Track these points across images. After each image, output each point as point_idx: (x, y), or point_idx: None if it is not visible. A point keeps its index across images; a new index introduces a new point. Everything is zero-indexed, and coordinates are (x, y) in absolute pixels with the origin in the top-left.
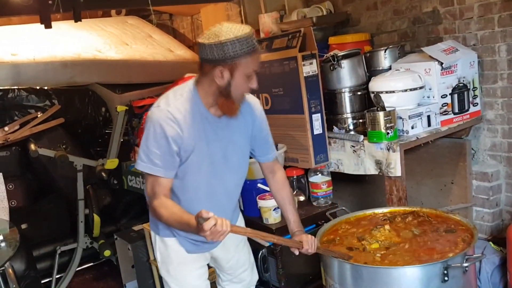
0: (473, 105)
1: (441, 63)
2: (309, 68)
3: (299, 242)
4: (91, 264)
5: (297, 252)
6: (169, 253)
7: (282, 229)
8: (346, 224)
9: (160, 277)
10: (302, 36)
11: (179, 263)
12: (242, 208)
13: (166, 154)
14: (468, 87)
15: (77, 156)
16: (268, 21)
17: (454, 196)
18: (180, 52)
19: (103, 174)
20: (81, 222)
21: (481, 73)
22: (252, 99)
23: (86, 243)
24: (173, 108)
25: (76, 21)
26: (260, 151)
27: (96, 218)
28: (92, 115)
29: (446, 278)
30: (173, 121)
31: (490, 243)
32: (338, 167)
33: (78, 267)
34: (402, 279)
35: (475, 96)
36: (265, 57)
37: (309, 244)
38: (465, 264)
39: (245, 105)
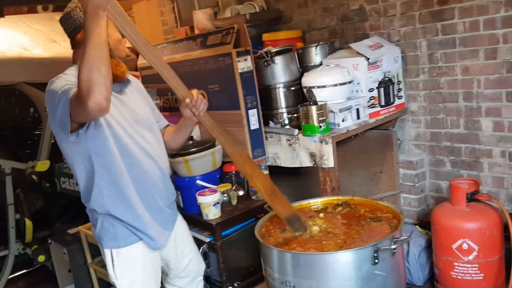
0: (398, 98)
1: (368, 59)
2: (244, 65)
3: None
4: (24, 271)
5: (185, 111)
6: (133, 263)
7: (223, 224)
8: None
9: (99, 280)
10: (236, 32)
11: (144, 269)
12: (182, 205)
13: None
14: (393, 81)
15: (5, 159)
16: (202, 18)
17: (383, 184)
18: None
19: (34, 177)
20: (12, 227)
21: (405, 67)
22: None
23: (18, 249)
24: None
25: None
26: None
27: (28, 222)
28: (19, 115)
29: (376, 261)
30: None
31: (417, 226)
32: (275, 161)
33: (10, 274)
34: (336, 263)
35: (399, 90)
36: (200, 53)
37: (195, 98)
38: (393, 246)
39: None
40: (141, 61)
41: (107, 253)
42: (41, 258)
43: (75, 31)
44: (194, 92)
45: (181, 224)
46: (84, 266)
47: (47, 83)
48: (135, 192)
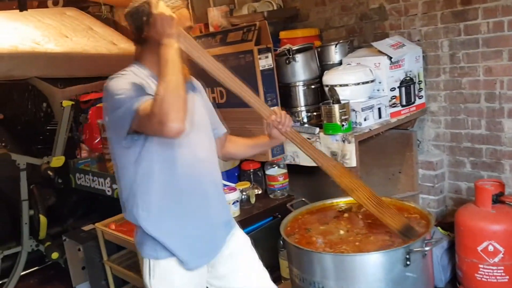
0: (419, 98)
1: (390, 58)
2: (265, 62)
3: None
4: (36, 268)
5: (272, 131)
6: (170, 277)
7: (242, 222)
8: (307, 215)
9: (115, 277)
10: (257, 29)
11: (181, 285)
12: None
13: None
14: (414, 81)
15: (19, 154)
16: (217, 15)
17: (401, 185)
18: (124, 45)
19: (49, 172)
20: (26, 224)
21: (425, 67)
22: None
23: (31, 246)
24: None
25: (21, 10)
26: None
27: (43, 219)
28: (32, 110)
29: (408, 263)
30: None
31: (438, 228)
32: (294, 159)
33: (22, 271)
34: (367, 265)
35: (420, 89)
36: (220, 50)
37: (279, 114)
38: (426, 248)
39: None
40: None
41: (145, 262)
42: (55, 255)
43: (142, 27)
44: (276, 109)
45: (236, 243)
46: (99, 263)
47: (59, 78)
48: (184, 208)
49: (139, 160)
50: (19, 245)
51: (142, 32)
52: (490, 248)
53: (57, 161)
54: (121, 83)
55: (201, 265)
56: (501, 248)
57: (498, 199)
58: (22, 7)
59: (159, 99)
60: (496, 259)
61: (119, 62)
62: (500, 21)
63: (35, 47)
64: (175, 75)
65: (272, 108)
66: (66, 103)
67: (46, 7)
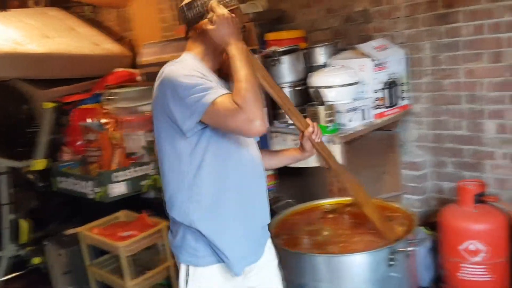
0: (402, 99)
1: (374, 60)
2: None
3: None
4: (17, 273)
5: (307, 144)
6: (208, 285)
7: None
8: (295, 216)
9: (98, 282)
10: (243, 31)
11: None
12: None
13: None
14: (398, 83)
15: None
16: None
17: (386, 185)
18: (107, 46)
19: (31, 176)
20: (6, 228)
21: (409, 69)
22: None
23: (12, 250)
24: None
25: (1, 10)
26: None
27: (24, 223)
28: (13, 112)
29: (392, 263)
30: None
31: (422, 228)
32: None
33: (3, 276)
34: (353, 266)
35: (403, 91)
36: None
37: (313, 125)
38: (409, 248)
39: None
40: (141, 58)
41: (183, 267)
42: (36, 260)
43: (197, 19)
44: (309, 120)
45: (270, 255)
46: (82, 268)
47: (41, 79)
48: (235, 204)
49: (196, 151)
50: (1, 250)
51: (196, 24)
52: (472, 247)
53: (40, 164)
54: (187, 70)
55: (245, 267)
56: (483, 248)
57: (479, 199)
58: (2, 6)
59: (246, 96)
60: (478, 258)
61: (102, 63)
62: (481, 24)
63: (16, 47)
64: (252, 74)
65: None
66: (47, 105)
67: (27, 7)
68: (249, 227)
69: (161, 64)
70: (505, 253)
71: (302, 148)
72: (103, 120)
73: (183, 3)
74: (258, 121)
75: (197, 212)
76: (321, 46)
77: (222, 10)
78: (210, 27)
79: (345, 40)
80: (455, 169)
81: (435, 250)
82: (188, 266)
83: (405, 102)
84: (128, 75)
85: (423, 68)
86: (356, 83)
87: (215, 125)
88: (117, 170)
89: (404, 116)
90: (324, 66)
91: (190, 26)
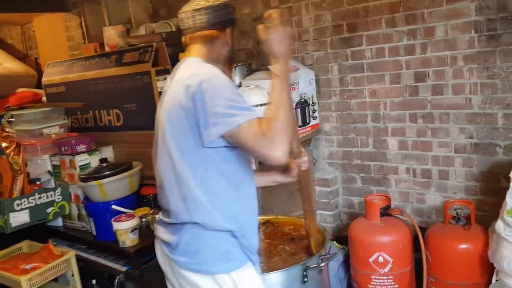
0: (313, 119)
1: None
2: (163, 83)
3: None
4: None
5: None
6: (256, 282)
7: (142, 251)
8: None
9: None
10: (154, 50)
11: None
12: (95, 233)
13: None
14: (308, 102)
15: None
16: (113, 34)
17: (300, 203)
18: (9, 65)
19: None
20: None
21: (318, 89)
22: None
23: None
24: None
25: None
26: None
27: None
28: None
29: (305, 279)
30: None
31: (334, 242)
32: None
33: None
34: (267, 285)
35: (314, 111)
36: (115, 71)
37: (307, 155)
38: (322, 264)
39: None
40: (45, 78)
41: (222, 278)
42: None
43: (224, 24)
44: (302, 148)
45: None
46: None
47: None
48: (251, 207)
49: (225, 159)
50: None
51: (214, 29)
52: (380, 259)
53: None
54: (225, 82)
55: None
56: (389, 259)
57: (385, 212)
58: None
59: (276, 126)
60: (386, 269)
61: (3, 83)
62: (382, 47)
63: None
64: (290, 100)
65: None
66: None
67: None
68: (256, 231)
69: (67, 84)
70: (410, 262)
71: (287, 172)
72: (3, 144)
73: (210, 4)
74: (279, 153)
75: (226, 216)
76: (235, 66)
77: (284, 23)
78: (266, 35)
79: (259, 61)
80: (363, 184)
81: (347, 263)
82: (229, 274)
83: (316, 121)
84: (32, 95)
85: (332, 89)
86: (269, 103)
87: (236, 143)
88: (19, 198)
89: (315, 134)
90: (238, 86)
91: (208, 29)
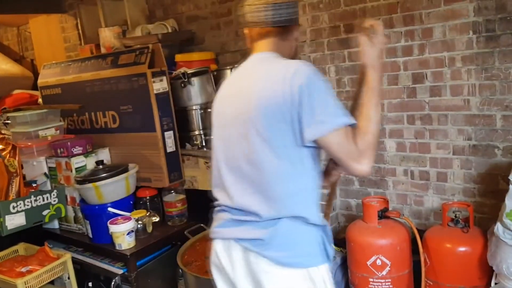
0: None
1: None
2: (160, 85)
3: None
4: None
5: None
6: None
7: (138, 253)
8: (206, 241)
9: None
10: (150, 52)
11: None
12: (91, 236)
13: None
14: None
15: None
16: (109, 36)
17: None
18: (5, 67)
19: None
20: None
21: None
22: None
23: None
24: None
25: None
26: None
27: None
28: None
29: None
30: None
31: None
32: (192, 184)
33: None
34: None
35: None
36: (111, 72)
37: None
38: None
39: None
40: (41, 80)
41: (314, 272)
42: None
43: (291, 21)
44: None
45: None
46: None
47: None
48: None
49: (310, 155)
50: None
51: (287, 28)
52: (378, 262)
53: None
54: (325, 81)
55: None
56: (388, 262)
57: (383, 214)
58: None
59: (370, 142)
60: (384, 272)
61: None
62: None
63: None
64: (379, 111)
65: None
66: None
67: None
68: None
69: (63, 85)
70: (408, 265)
71: (326, 177)
72: None
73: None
74: (365, 167)
75: (316, 211)
76: (231, 68)
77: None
78: (369, 47)
79: None
80: (361, 186)
81: (344, 266)
82: (326, 265)
83: None
84: (28, 97)
85: None
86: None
87: (323, 146)
88: (15, 200)
89: None
90: None
91: (287, 24)
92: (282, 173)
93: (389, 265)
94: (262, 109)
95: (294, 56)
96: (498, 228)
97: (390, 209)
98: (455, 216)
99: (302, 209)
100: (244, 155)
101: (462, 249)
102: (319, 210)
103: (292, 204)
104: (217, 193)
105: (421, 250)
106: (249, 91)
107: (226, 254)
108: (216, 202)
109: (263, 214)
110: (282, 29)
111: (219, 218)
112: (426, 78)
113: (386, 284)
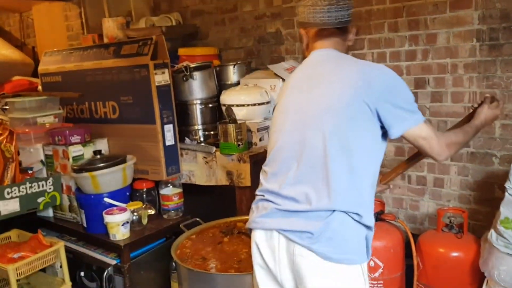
0: None
1: (285, 81)
2: (161, 78)
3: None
4: None
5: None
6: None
7: (132, 245)
8: (200, 235)
9: None
10: (154, 44)
11: None
12: (85, 225)
13: None
14: None
15: None
16: (113, 26)
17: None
18: (6, 52)
19: None
20: None
21: None
22: None
23: None
24: None
25: None
26: None
27: None
28: None
29: None
30: None
31: None
32: (190, 179)
33: None
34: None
35: None
36: (113, 62)
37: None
38: None
39: None
40: (42, 67)
41: (357, 269)
42: None
43: (350, 22)
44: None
45: None
46: None
47: None
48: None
49: (382, 152)
50: None
51: (348, 27)
52: (371, 263)
53: None
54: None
55: None
56: (380, 263)
57: (378, 217)
58: None
59: (452, 149)
60: (377, 274)
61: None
62: (383, 52)
63: None
64: (464, 142)
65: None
66: None
67: None
68: None
69: (63, 74)
70: (400, 268)
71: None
72: None
73: (351, 2)
74: (443, 157)
75: (371, 210)
76: (234, 64)
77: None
78: (491, 107)
79: (258, 60)
80: None
81: None
82: (361, 265)
83: None
84: (27, 84)
85: None
86: (267, 102)
87: (410, 139)
88: (9, 186)
89: None
90: (236, 84)
91: (348, 24)
92: (351, 166)
93: (382, 267)
94: (342, 104)
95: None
96: (492, 234)
97: (385, 212)
98: (450, 222)
99: (359, 206)
100: (315, 144)
101: (455, 254)
102: (373, 210)
103: (352, 198)
104: (267, 180)
105: (414, 253)
106: (329, 84)
107: (267, 244)
108: (259, 191)
109: (318, 205)
110: (343, 30)
111: (262, 207)
112: (428, 84)
113: (378, 285)
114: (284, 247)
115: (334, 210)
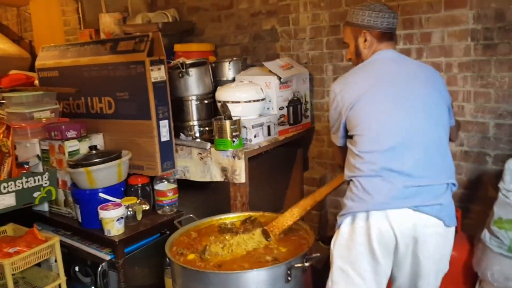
0: (305, 117)
1: (280, 78)
2: (157, 74)
3: None
4: None
5: None
6: None
7: (127, 240)
8: (194, 231)
9: None
10: (150, 40)
11: None
12: (80, 220)
13: None
14: (301, 101)
15: None
16: (109, 22)
17: (288, 200)
18: (3, 46)
19: None
20: None
21: (312, 89)
22: None
23: None
24: None
25: None
26: None
27: None
28: None
29: (289, 278)
30: None
31: (320, 242)
32: (184, 174)
33: None
34: (250, 282)
35: (306, 109)
36: (109, 58)
37: None
38: (306, 264)
39: None
40: (39, 62)
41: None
42: None
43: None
44: None
45: None
46: None
47: None
48: None
49: None
50: None
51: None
52: None
53: None
54: None
55: None
56: None
57: None
58: None
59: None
60: None
61: None
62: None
63: None
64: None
65: None
66: None
67: None
68: None
69: (60, 69)
70: None
71: None
72: None
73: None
74: None
75: None
76: (229, 61)
77: None
78: None
79: (254, 57)
80: None
81: None
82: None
83: (308, 120)
84: (24, 78)
85: (325, 89)
86: (262, 99)
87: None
88: (5, 181)
89: (306, 133)
90: (231, 81)
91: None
92: (447, 145)
93: None
94: (432, 94)
95: None
96: (485, 234)
97: None
98: None
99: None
100: (429, 125)
101: None
102: None
103: (452, 172)
104: (387, 159)
105: None
106: (424, 79)
107: (397, 222)
108: (374, 170)
109: (444, 179)
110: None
111: (385, 188)
112: None
113: None
114: (411, 222)
115: (447, 183)
